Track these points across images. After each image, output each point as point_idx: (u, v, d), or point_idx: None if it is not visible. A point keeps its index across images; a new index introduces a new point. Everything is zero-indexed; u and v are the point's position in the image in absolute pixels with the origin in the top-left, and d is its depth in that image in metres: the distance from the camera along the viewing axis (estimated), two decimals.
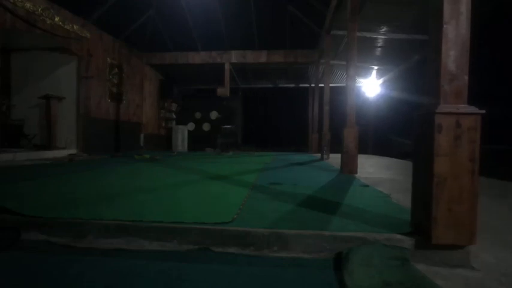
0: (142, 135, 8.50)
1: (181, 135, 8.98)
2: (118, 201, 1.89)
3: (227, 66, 8.61)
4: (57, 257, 1.35)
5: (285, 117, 11.56)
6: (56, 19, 5.51)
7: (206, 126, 10.19)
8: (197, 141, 9.69)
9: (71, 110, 6.46)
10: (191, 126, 9.46)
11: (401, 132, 8.70)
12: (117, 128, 7.46)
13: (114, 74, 7.35)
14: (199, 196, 2.08)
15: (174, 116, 10.23)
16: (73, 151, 6.21)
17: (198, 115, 10.14)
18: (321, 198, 2.13)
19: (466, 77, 1.38)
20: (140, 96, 8.72)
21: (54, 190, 2.31)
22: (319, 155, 7.15)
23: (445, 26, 1.38)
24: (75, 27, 6.00)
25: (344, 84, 3.86)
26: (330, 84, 6.63)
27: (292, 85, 11.42)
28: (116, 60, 7.35)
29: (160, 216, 1.62)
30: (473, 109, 1.37)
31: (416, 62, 7.13)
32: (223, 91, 6.92)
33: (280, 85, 11.46)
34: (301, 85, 11.33)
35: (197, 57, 8.67)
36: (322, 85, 6.96)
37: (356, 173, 3.67)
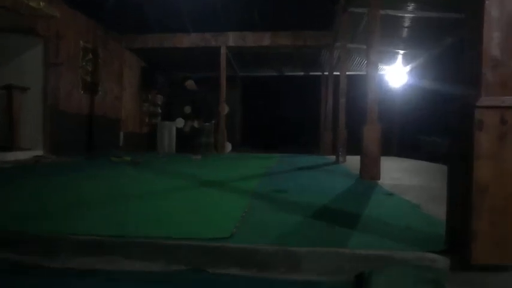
0: (121, 134, 8.42)
1: (168, 133, 8.84)
2: (94, 213, 1.89)
3: (223, 50, 8.60)
4: (23, 279, 1.34)
5: (292, 112, 11.27)
6: None
7: (198, 123, 9.71)
8: (187, 141, 9.29)
9: (36, 103, 6.43)
10: (180, 122, 9.09)
11: (432, 131, 8.47)
12: (91, 125, 7.42)
13: (88, 60, 7.33)
14: (191, 206, 2.07)
15: (160, 111, 10.07)
16: (39, 152, 6.23)
17: (187, 109, 9.32)
18: (336, 209, 2.14)
19: None
20: (119, 87, 8.66)
21: (18, 199, 2.32)
22: (333, 157, 7.11)
23: (487, 1, 1.36)
24: (41, 3, 5.93)
25: (364, 73, 4.05)
26: (347, 72, 6.41)
27: (301, 73, 11.18)
28: (90, 44, 7.30)
29: (145, 230, 1.61)
30: None
31: (451, 45, 7.05)
32: (191, 84, 6.75)
33: (287, 73, 11.18)
34: (311, 73, 11.00)
35: (187, 40, 8.65)
36: (338, 73, 6.91)
37: (379, 179, 3.67)
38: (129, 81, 9.20)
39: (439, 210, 2.09)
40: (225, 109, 8.49)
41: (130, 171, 4.20)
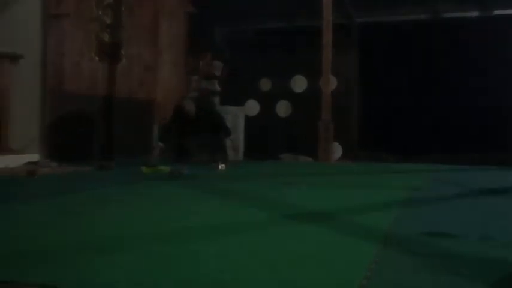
0: (156, 127, 8.38)
1: (233, 127, 8.67)
2: (104, 261, 1.92)
3: None
4: None
5: (457, 88, 10.48)
6: None
7: (283, 108, 9.93)
8: (266, 140, 9.49)
9: (31, 80, 6.41)
10: (252, 107, 9.41)
11: None
12: (110, 113, 7.32)
13: (106, 7, 7.30)
14: (261, 262, 1.98)
15: (218, 88, 9.68)
16: (34, 157, 6.23)
17: (265, 84, 10.00)
18: None
19: None
20: (152, 50, 8.41)
21: None
22: None
23: None
24: None
25: None
26: None
27: (475, 13, 10.50)
28: None
29: None
30: None
31: None
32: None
33: (447, 15, 10.68)
34: (497, 12, 10.30)
35: None
36: None
37: None
38: (169, 39, 8.85)
39: None
40: (331, 82, 8.34)
41: (169, 190, 4.40)
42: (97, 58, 7.16)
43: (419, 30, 10.90)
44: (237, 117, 9.14)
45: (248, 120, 9.84)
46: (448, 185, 5.31)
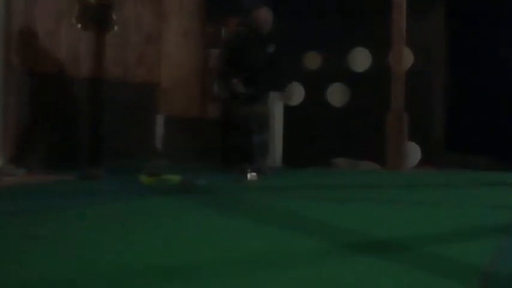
0: (160, 118, 8.34)
1: (264, 120, 8.84)
2: None
3: None
4: None
5: None
6: None
7: (338, 93, 9.77)
8: (313, 138, 9.33)
9: None
10: (295, 92, 9.47)
11: None
12: (96, 101, 7.08)
13: None
14: None
15: None
16: None
17: (313, 60, 9.89)
18: None
19: None
20: (155, 13, 8.39)
21: None
22: None
23: None
24: None
25: None
26: None
27: None
28: None
29: None
30: None
31: None
32: (266, 14, 7.75)
33: None
34: None
35: None
36: None
37: None
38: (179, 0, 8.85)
39: None
40: (405, 57, 8.12)
41: (176, 209, 4.38)
42: (79, 25, 6.93)
43: None
44: (273, 106, 8.80)
45: (288, 110, 9.50)
46: None
